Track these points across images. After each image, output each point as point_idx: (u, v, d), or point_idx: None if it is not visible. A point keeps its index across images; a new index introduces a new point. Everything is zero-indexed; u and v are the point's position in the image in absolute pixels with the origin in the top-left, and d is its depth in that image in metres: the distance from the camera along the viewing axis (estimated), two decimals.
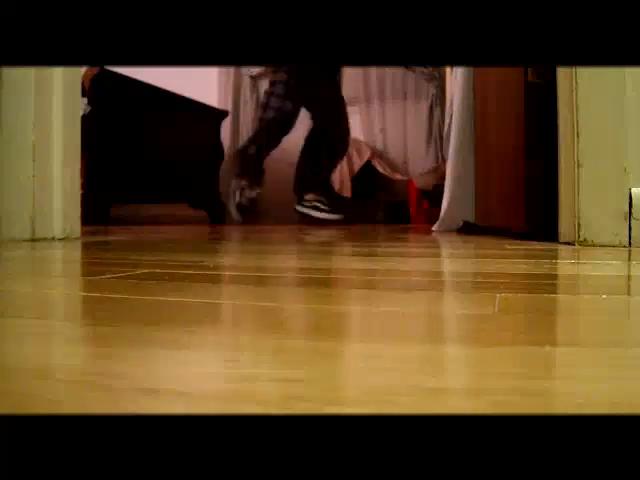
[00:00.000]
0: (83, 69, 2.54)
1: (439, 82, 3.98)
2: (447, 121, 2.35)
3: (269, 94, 3.16)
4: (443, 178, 2.37)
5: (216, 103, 4.10)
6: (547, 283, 0.63)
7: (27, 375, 0.27)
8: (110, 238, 1.64)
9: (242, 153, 3.23)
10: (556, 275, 0.71)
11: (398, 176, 3.90)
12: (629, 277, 0.70)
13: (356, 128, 4.23)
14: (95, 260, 0.96)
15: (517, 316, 0.43)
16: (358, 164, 3.84)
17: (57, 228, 1.50)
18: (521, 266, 0.81)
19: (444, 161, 2.64)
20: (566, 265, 0.83)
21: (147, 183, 3.07)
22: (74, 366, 0.29)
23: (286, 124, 3.16)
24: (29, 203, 1.45)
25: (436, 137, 4.02)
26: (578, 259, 0.92)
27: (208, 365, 0.29)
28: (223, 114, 3.74)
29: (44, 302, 0.51)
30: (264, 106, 3.18)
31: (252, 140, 3.23)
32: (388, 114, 4.20)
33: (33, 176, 1.45)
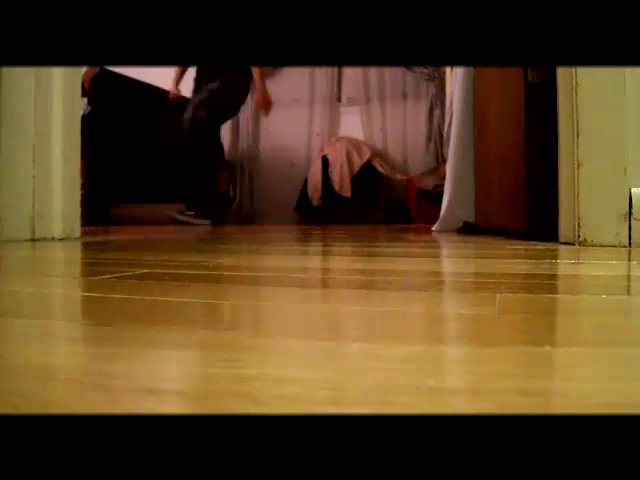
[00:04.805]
0: (83, 69, 2.54)
1: (439, 82, 3.98)
2: (447, 121, 2.35)
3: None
4: (443, 178, 2.37)
5: None
6: (547, 283, 0.63)
7: (27, 375, 0.27)
8: (110, 238, 1.64)
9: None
10: (556, 275, 0.71)
11: (398, 176, 3.90)
12: (629, 277, 0.70)
13: (356, 128, 4.23)
14: (95, 260, 0.96)
15: (517, 316, 0.43)
16: (358, 164, 3.84)
17: (57, 228, 1.50)
18: (521, 266, 0.81)
19: (444, 161, 2.64)
20: (566, 265, 0.83)
21: (147, 183, 3.07)
22: (74, 366, 0.29)
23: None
24: (29, 203, 1.45)
25: (436, 137, 4.02)
26: (578, 259, 0.92)
27: (208, 365, 0.29)
28: None
29: (44, 302, 0.51)
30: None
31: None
32: (388, 114, 4.20)
33: (33, 176, 1.45)
